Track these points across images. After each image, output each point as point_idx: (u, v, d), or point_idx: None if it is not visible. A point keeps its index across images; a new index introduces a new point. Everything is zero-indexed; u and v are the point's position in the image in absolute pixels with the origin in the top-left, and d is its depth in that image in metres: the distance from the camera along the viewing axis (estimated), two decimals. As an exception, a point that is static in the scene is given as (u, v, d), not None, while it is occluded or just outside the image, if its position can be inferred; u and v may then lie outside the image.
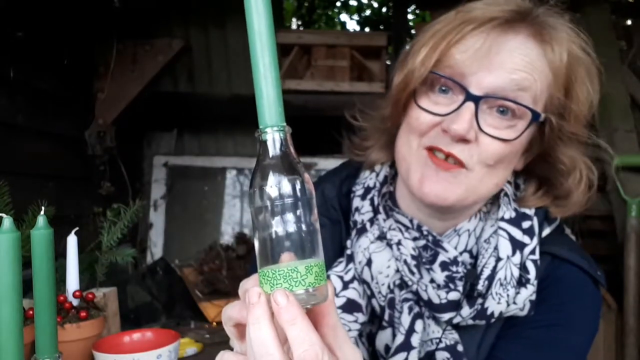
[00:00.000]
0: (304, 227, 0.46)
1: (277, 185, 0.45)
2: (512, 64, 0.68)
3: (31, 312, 1.03)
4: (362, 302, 0.77)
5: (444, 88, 0.71)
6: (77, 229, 1.10)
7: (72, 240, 1.09)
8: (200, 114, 2.76)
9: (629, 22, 2.60)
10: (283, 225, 0.45)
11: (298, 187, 0.45)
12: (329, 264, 0.80)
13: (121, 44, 2.28)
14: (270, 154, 0.45)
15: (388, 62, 2.51)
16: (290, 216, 0.45)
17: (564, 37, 0.71)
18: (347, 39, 2.56)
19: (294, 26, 4.56)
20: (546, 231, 0.79)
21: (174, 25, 2.64)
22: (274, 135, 0.45)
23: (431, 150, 0.72)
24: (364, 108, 0.87)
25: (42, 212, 0.61)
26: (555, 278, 0.77)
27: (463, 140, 0.68)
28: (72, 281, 1.10)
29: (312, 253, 0.46)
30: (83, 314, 1.07)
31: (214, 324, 1.86)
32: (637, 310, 2.19)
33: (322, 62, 2.49)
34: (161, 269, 2.15)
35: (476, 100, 0.68)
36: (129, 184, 2.46)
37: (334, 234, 0.83)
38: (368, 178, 0.84)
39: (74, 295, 1.09)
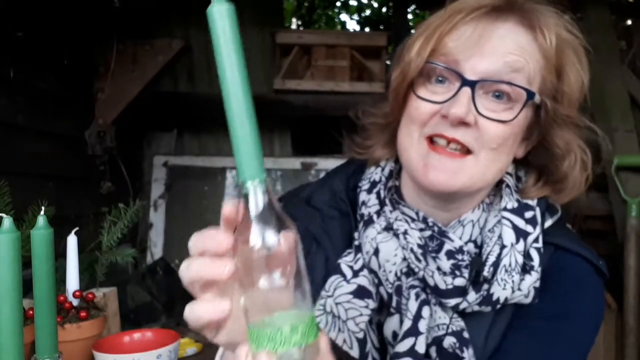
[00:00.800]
0: (290, 280, 0.45)
1: (260, 238, 0.44)
2: (504, 48, 0.70)
3: (31, 312, 1.03)
4: (372, 289, 0.79)
5: (440, 78, 0.74)
6: (77, 229, 1.10)
7: (72, 240, 1.09)
8: (200, 114, 2.76)
9: (629, 22, 2.60)
10: (268, 279, 0.45)
11: (281, 239, 0.45)
12: (339, 254, 0.81)
13: (121, 44, 2.28)
14: (253, 206, 0.45)
15: (388, 62, 2.51)
16: (274, 270, 0.45)
17: (551, 22, 0.74)
18: (347, 39, 2.56)
19: (294, 26, 4.56)
20: (548, 222, 0.81)
21: (174, 25, 2.64)
22: (255, 188, 0.45)
23: (432, 140, 0.73)
24: (365, 107, 0.89)
25: (42, 212, 0.61)
26: (559, 268, 0.79)
27: (464, 124, 0.70)
28: (72, 281, 1.10)
29: (299, 306, 0.46)
30: (83, 314, 1.07)
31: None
32: (637, 310, 2.19)
33: (322, 62, 2.49)
34: (161, 269, 2.15)
35: (472, 85, 0.70)
36: (129, 184, 2.46)
37: (344, 225, 0.85)
38: (374, 173, 0.86)
39: (74, 295, 1.09)
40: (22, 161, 1.77)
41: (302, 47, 2.56)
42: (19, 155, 1.76)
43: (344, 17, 5.12)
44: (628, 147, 2.32)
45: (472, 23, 0.72)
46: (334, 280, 0.79)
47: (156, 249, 2.64)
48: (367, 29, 4.84)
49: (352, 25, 5.04)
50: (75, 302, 1.09)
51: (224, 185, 2.81)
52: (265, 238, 0.44)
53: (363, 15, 4.93)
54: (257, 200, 0.45)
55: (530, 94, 0.71)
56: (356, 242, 0.82)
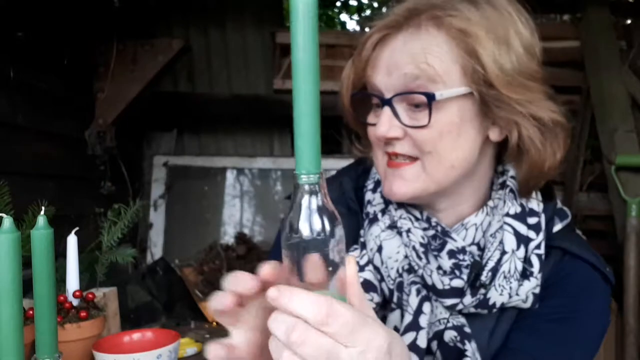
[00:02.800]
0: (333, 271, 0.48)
1: (309, 228, 0.47)
2: (401, 62, 0.74)
3: (31, 312, 1.03)
4: (377, 284, 0.82)
5: (376, 103, 0.79)
6: (77, 229, 1.10)
7: (72, 240, 1.09)
8: (200, 114, 2.76)
9: (629, 22, 2.60)
10: (313, 270, 0.47)
11: (329, 231, 0.47)
12: (347, 249, 0.84)
13: (121, 44, 2.28)
14: (306, 198, 0.47)
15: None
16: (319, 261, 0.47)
17: (455, 10, 0.73)
18: (347, 39, 2.56)
19: (294, 26, 4.56)
20: (557, 227, 0.82)
21: (174, 25, 2.64)
22: (309, 181, 0.47)
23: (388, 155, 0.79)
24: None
25: (42, 212, 0.61)
26: (567, 273, 0.79)
27: (394, 138, 0.76)
28: (72, 281, 1.10)
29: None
30: (83, 314, 1.07)
31: (214, 324, 1.86)
32: (637, 310, 2.19)
33: (322, 62, 2.49)
34: (161, 269, 2.15)
35: (388, 102, 0.75)
36: (129, 184, 2.46)
37: (351, 222, 0.87)
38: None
39: (74, 295, 1.09)
40: (22, 161, 1.77)
41: (302, 47, 2.55)
42: (19, 155, 1.76)
43: (344, 17, 5.12)
44: (628, 147, 2.32)
45: (380, 46, 0.78)
46: None
47: (156, 249, 2.64)
48: (367, 29, 4.83)
49: (352, 25, 5.04)
50: (75, 302, 1.09)
51: (224, 185, 2.81)
52: (313, 228, 0.46)
53: (363, 15, 4.92)
54: (310, 193, 0.47)
55: (429, 96, 0.72)
56: (362, 239, 0.85)
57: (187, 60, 2.65)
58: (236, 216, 2.81)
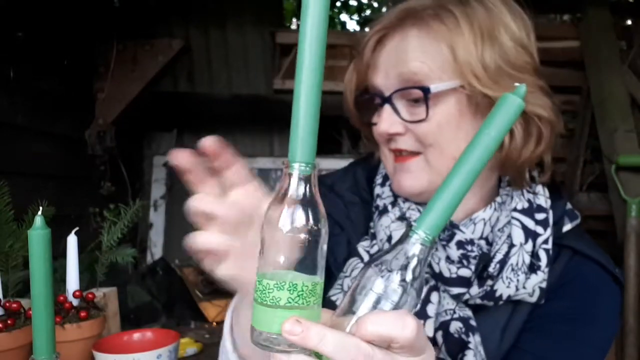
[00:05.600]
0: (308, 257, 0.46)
1: (290, 220, 0.45)
2: (396, 61, 0.77)
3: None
4: None
5: (377, 102, 0.81)
6: (77, 229, 1.10)
7: (72, 240, 1.09)
8: (200, 114, 2.76)
9: (629, 22, 2.60)
10: (288, 259, 0.46)
11: (314, 226, 0.46)
12: (359, 238, 0.87)
13: (121, 44, 2.28)
14: (294, 187, 0.46)
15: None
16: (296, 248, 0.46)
17: (439, 8, 0.76)
18: (347, 39, 2.56)
19: (294, 26, 4.56)
20: (567, 227, 0.83)
21: (174, 25, 2.64)
22: (300, 171, 0.46)
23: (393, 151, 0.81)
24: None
25: (39, 212, 0.61)
26: (577, 274, 0.80)
27: (396, 134, 0.78)
28: (72, 281, 1.10)
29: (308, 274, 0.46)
30: (83, 314, 1.07)
31: (214, 323, 1.87)
32: (637, 310, 2.19)
33: (322, 62, 2.49)
34: (161, 269, 2.15)
35: (388, 100, 0.78)
36: (129, 184, 2.47)
37: (365, 211, 0.90)
38: None
39: (74, 295, 1.09)
40: (22, 161, 1.77)
41: (302, 47, 2.55)
42: (19, 155, 1.76)
43: (344, 17, 5.12)
44: (628, 147, 2.31)
45: (378, 48, 0.80)
46: (351, 262, 0.84)
47: (156, 249, 2.64)
48: (367, 29, 4.83)
49: (352, 25, 5.04)
50: (75, 302, 1.09)
51: (224, 185, 2.80)
52: (294, 221, 0.45)
53: (363, 15, 4.92)
54: (298, 182, 0.46)
55: (424, 90, 0.75)
56: (372, 230, 0.87)
57: (187, 60, 2.64)
58: (236, 216, 2.81)
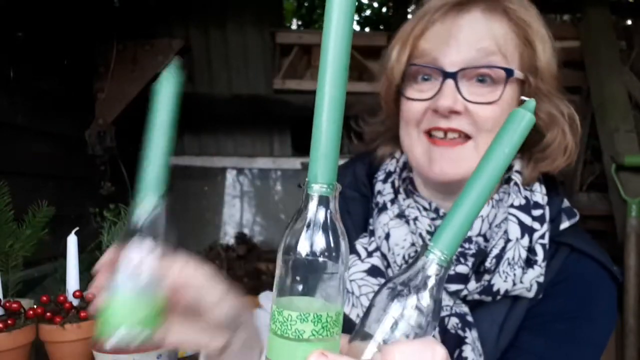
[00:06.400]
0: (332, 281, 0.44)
1: (309, 244, 0.43)
2: (474, 37, 0.75)
3: (31, 312, 1.03)
4: (384, 270, 0.83)
5: (425, 77, 0.79)
6: (77, 229, 1.10)
7: (72, 240, 1.09)
8: (200, 114, 2.76)
9: (629, 22, 2.60)
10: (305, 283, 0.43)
11: (334, 250, 0.43)
12: (358, 234, 0.87)
13: (121, 44, 2.28)
14: (313, 212, 0.43)
15: (388, 62, 2.51)
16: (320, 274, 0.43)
17: (514, 3, 0.78)
18: (347, 39, 2.56)
19: (294, 26, 4.56)
20: (565, 224, 0.83)
21: (174, 25, 2.64)
22: (321, 192, 0.43)
23: (430, 134, 0.78)
24: (363, 116, 0.94)
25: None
26: (575, 272, 0.80)
27: (455, 112, 0.75)
28: (72, 281, 1.10)
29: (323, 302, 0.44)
30: (83, 314, 1.07)
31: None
32: (637, 310, 2.19)
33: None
34: (161, 269, 2.15)
35: (453, 76, 0.75)
36: (129, 184, 2.46)
37: (364, 206, 0.90)
38: (389, 164, 0.91)
39: (74, 296, 1.09)
40: (22, 161, 1.77)
41: (302, 47, 2.56)
42: (19, 155, 1.76)
43: (343, 17, 5.11)
44: (628, 147, 2.31)
45: (440, 21, 0.77)
46: (349, 259, 0.83)
47: (156, 249, 2.63)
48: (367, 29, 4.83)
49: (353, 25, 5.03)
50: (75, 302, 1.09)
51: (224, 185, 2.81)
52: (313, 244, 0.43)
53: (363, 15, 4.92)
54: (318, 204, 0.43)
55: (508, 72, 0.75)
56: (370, 227, 0.87)
57: (187, 60, 2.64)
58: (236, 216, 2.81)
